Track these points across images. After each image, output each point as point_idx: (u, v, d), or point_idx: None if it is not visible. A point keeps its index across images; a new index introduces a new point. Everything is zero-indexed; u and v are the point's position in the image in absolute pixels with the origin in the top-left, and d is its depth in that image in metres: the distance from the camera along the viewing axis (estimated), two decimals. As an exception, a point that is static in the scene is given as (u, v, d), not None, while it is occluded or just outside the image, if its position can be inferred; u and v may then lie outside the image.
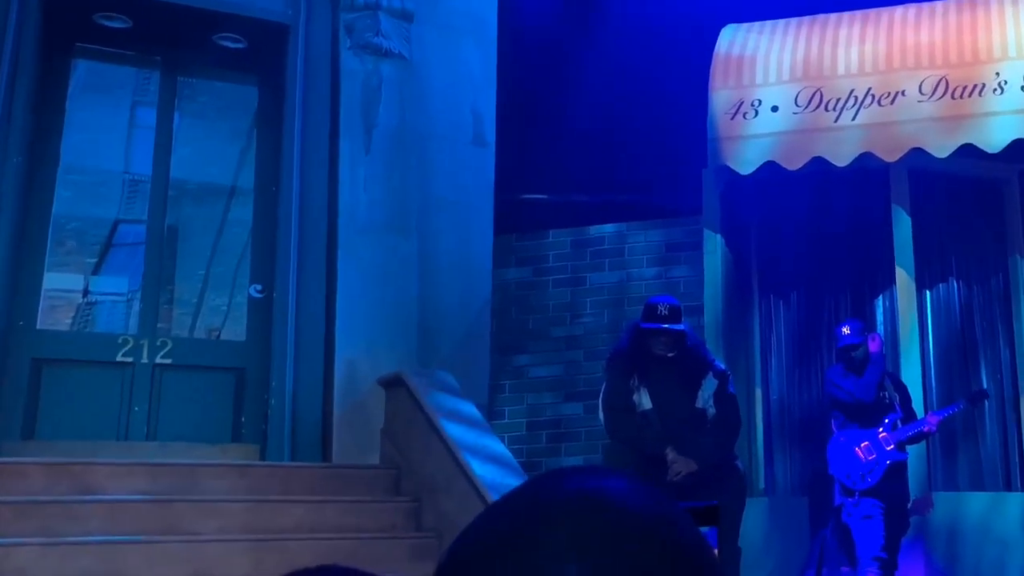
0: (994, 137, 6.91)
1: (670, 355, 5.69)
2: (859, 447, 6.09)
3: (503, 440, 6.53)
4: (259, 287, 6.43)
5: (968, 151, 6.96)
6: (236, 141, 6.72)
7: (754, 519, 6.78)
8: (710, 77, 7.35)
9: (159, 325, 6.34)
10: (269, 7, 6.50)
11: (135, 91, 6.67)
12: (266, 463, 6.06)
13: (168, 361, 6.25)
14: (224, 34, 6.55)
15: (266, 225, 6.49)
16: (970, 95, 7.07)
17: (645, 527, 0.66)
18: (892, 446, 6.08)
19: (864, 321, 6.70)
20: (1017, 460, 7.14)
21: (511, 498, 0.70)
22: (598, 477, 0.70)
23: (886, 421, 6.15)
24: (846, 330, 6.29)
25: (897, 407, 6.23)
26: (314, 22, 6.52)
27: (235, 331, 6.51)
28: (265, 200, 6.53)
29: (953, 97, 7.09)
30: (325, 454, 6.21)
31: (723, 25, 7.62)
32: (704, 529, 0.84)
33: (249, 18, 6.45)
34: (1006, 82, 7.01)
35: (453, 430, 5.82)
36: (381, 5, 6.52)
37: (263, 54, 6.64)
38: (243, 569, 5.22)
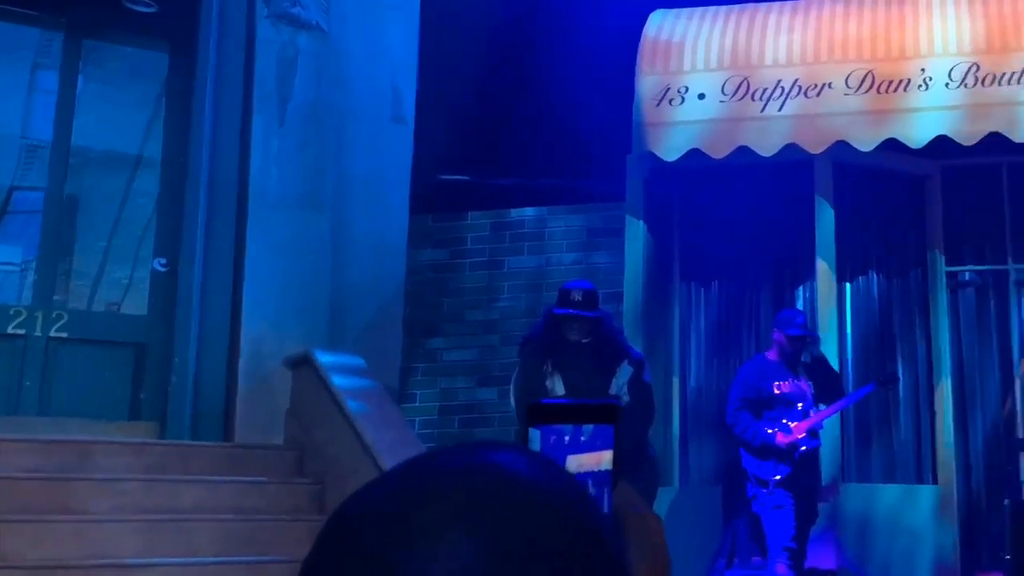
0: (918, 132, 6.93)
1: (584, 341, 5.64)
2: (775, 437, 6.06)
3: (414, 424, 6.44)
4: (163, 261, 6.24)
5: (892, 145, 6.98)
6: (144, 109, 6.50)
7: (668, 508, 6.75)
8: (637, 62, 7.28)
9: (55, 297, 6.12)
10: (182, -30, 6.30)
11: (37, 53, 6.42)
12: (165, 441, 5.90)
13: (64, 335, 6.04)
14: (134, -3, 6.34)
15: (173, 197, 6.30)
16: (895, 90, 7.08)
17: (540, 500, 0.65)
18: (803, 434, 6.07)
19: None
20: (930, 453, 7.18)
21: (404, 466, 0.69)
22: (497, 450, 0.69)
23: (797, 407, 6.13)
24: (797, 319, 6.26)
25: (809, 397, 6.22)
26: (229, -11, 6.34)
27: (136, 305, 6.32)
28: (173, 171, 6.33)
29: (879, 91, 7.10)
30: (227, 433, 6.06)
31: (652, 10, 7.55)
32: (602, 425, 0.81)
33: (161, -18, 6.25)
34: (931, 78, 7.03)
35: (360, 412, 5.72)
36: (300, -25, 6.36)
37: (175, 20, 6.42)
38: (136, 549, 5.08)
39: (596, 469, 0.80)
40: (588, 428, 0.81)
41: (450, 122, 7.68)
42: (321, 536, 0.67)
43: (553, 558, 0.63)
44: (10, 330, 5.91)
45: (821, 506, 6.32)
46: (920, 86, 7.06)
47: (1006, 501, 6.63)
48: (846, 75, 7.15)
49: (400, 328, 6.66)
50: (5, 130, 6.32)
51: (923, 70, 7.07)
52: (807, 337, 6.26)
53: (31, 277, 6.13)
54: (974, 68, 6.99)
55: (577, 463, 0.80)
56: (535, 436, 0.81)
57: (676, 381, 7.43)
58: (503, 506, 0.64)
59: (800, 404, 6.14)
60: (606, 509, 0.79)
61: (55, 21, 6.36)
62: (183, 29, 6.41)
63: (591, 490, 0.79)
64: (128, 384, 6.18)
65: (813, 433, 6.12)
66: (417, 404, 7.45)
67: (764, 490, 6.07)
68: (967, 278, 7.59)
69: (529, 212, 7.81)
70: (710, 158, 7.08)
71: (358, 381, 5.94)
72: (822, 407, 6.24)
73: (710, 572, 6.61)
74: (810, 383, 6.27)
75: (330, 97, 6.50)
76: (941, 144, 6.93)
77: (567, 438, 0.81)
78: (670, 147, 7.13)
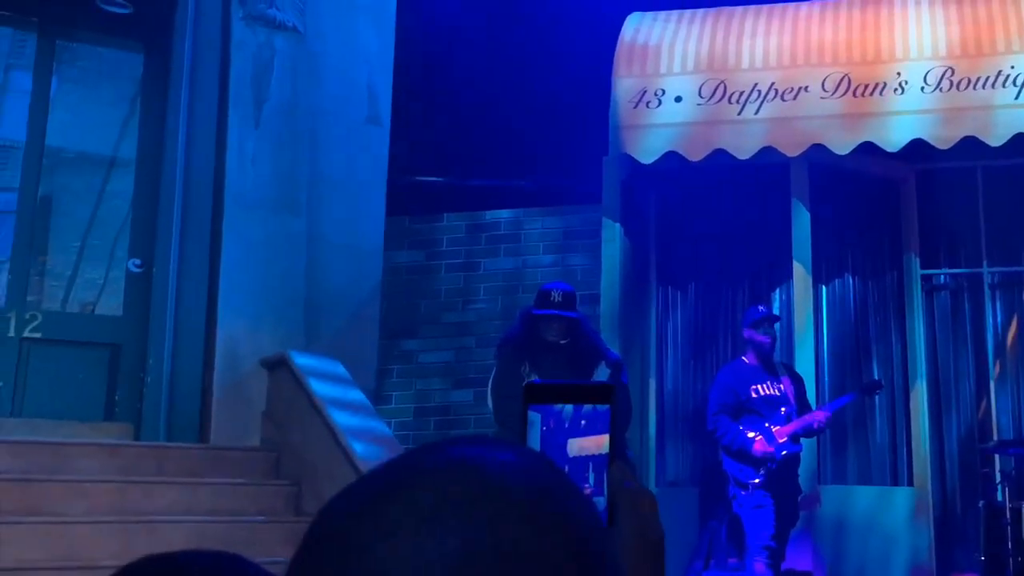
0: (894, 136, 6.95)
1: (562, 342, 5.65)
2: (752, 443, 6.06)
3: (389, 425, 6.41)
4: (138, 261, 6.21)
5: (868, 149, 7.00)
6: (118, 109, 6.46)
7: (644, 510, 6.73)
8: (614, 64, 7.30)
9: (29, 298, 6.09)
10: (157, -29, 6.29)
11: (10, 54, 6.39)
12: (139, 443, 5.87)
13: (37, 335, 6.00)
14: (108, -3, 6.31)
15: (148, 197, 6.27)
16: (871, 94, 7.11)
17: (521, 497, 0.64)
18: (785, 439, 6.07)
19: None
20: (905, 455, 7.21)
21: (392, 461, 0.69)
22: (486, 446, 0.68)
23: (781, 412, 6.14)
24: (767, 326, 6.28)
25: (791, 399, 6.23)
26: (205, -10, 6.32)
27: (111, 306, 6.28)
28: (147, 171, 6.30)
29: (855, 95, 7.12)
30: (203, 435, 6.03)
31: (629, 12, 7.57)
32: (600, 408, 0.82)
33: (135, -18, 6.23)
34: (907, 82, 7.06)
35: (336, 413, 5.70)
36: (276, -24, 6.35)
37: (150, 20, 6.40)
38: (111, 551, 5.03)
39: (597, 453, 0.81)
40: (588, 412, 0.82)
41: (426, 123, 7.68)
42: (308, 530, 0.67)
43: (530, 554, 0.63)
44: (-18, 330, 5.89)
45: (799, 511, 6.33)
46: (896, 90, 7.09)
47: (981, 503, 6.67)
48: (823, 79, 7.17)
49: (376, 329, 6.64)
50: (-22, 131, 6.31)
51: (899, 74, 7.10)
52: (773, 317, 6.32)
53: (4, 278, 6.09)
54: (949, 72, 7.03)
55: (578, 446, 0.81)
56: (535, 418, 0.82)
57: (653, 383, 7.44)
58: (485, 501, 0.64)
59: (783, 408, 6.14)
60: (604, 491, 0.80)
61: (27, 21, 6.33)
62: (158, 30, 6.38)
63: (591, 473, 0.80)
64: (103, 385, 6.14)
65: (795, 438, 6.11)
66: (393, 406, 7.42)
67: (744, 492, 6.07)
68: (942, 281, 7.63)
69: (505, 214, 7.80)
70: (687, 160, 7.10)
71: (334, 383, 5.92)
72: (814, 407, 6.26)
73: (687, 573, 6.62)
74: (792, 384, 6.28)
75: (306, 98, 6.49)
76: (917, 147, 6.96)
77: (567, 423, 0.82)
78: (647, 149, 7.14)
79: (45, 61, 6.28)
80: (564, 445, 0.81)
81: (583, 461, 0.81)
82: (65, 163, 6.40)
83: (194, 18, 6.25)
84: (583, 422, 0.82)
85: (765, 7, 7.61)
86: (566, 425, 0.82)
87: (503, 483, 0.65)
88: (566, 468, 0.79)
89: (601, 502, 0.80)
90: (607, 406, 0.82)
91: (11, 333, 5.95)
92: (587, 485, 0.81)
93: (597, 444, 0.82)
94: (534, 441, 0.82)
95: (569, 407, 0.83)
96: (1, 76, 6.42)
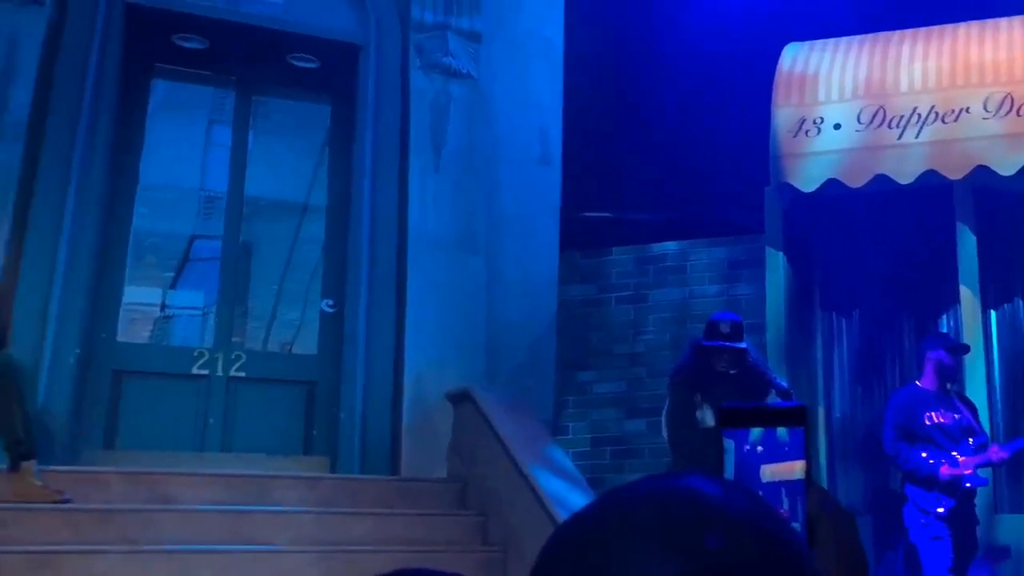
0: (1060, 155, 6.85)
1: (732, 372, 5.75)
2: (939, 468, 6.01)
3: (567, 455, 6.58)
4: (330, 302, 6.55)
5: (1035, 169, 6.90)
6: (309, 158, 6.86)
7: (817, 538, 6.75)
8: (773, 94, 7.37)
9: (233, 339, 6.48)
10: (341, 28, 6.65)
11: (211, 110, 6.85)
12: (336, 475, 6.16)
13: (242, 374, 6.39)
14: (297, 54, 6.70)
15: (337, 241, 6.61)
16: (1035, 112, 7.02)
17: (731, 518, 0.67)
18: (971, 470, 6.01)
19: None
20: (1085, 482, 7.06)
21: (614, 490, 0.73)
22: (691, 476, 0.71)
23: (968, 442, 6.08)
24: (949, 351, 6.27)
25: (979, 430, 6.16)
26: (385, 42, 6.65)
27: (307, 345, 6.64)
28: (337, 216, 6.65)
29: (1018, 114, 7.04)
30: (394, 467, 6.29)
31: (785, 43, 7.64)
32: (794, 431, 0.84)
33: (322, 39, 6.60)
34: (1071, 99, 6.95)
35: (518, 445, 5.88)
36: (450, 25, 6.63)
37: (335, 73, 6.77)
38: (314, 579, 5.30)
39: (789, 478, 0.84)
40: (781, 437, 0.84)
41: (593, 160, 7.87)
42: (542, 551, 0.72)
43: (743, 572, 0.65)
44: (195, 370, 6.29)
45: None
46: (1060, 107, 6.99)
47: None
48: (984, 99, 7.11)
49: (553, 362, 6.83)
50: (186, 183, 6.75)
51: (1062, 91, 7.00)
52: (964, 346, 6.30)
53: (212, 320, 6.51)
54: (1115, 86, 6.91)
55: (771, 472, 0.84)
56: (730, 445, 0.85)
57: (821, 411, 7.44)
58: (695, 523, 0.66)
59: (971, 439, 6.08)
60: (800, 517, 0.82)
61: (226, 80, 6.78)
62: (343, 82, 6.75)
63: (784, 499, 0.83)
64: (301, 420, 6.48)
65: (978, 469, 6.04)
66: (570, 436, 7.60)
67: (925, 518, 6.02)
68: (1116, 302, 7.45)
69: (671, 246, 7.94)
70: (848, 187, 7.11)
71: (516, 416, 6.11)
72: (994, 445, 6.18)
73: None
74: (968, 412, 6.23)
75: (481, 141, 6.75)
76: (1085, 165, 6.83)
77: (760, 448, 0.84)
78: (807, 178, 7.18)
79: (243, 116, 6.71)
80: (758, 471, 0.83)
81: (776, 487, 0.83)
82: (262, 211, 6.82)
83: (376, 69, 6.59)
84: (775, 448, 0.84)
85: (922, 30, 7.58)
86: (759, 450, 0.84)
87: (718, 509, 0.68)
88: (760, 494, 0.79)
89: (796, 528, 0.81)
90: (801, 428, 0.84)
91: (219, 372, 6.35)
92: (782, 510, 0.83)
93: (791, 469, 0.84)
94: (729, 467, 0.84)
95: (759, 432, 0.84)
96: (204, 131, 6.88)
